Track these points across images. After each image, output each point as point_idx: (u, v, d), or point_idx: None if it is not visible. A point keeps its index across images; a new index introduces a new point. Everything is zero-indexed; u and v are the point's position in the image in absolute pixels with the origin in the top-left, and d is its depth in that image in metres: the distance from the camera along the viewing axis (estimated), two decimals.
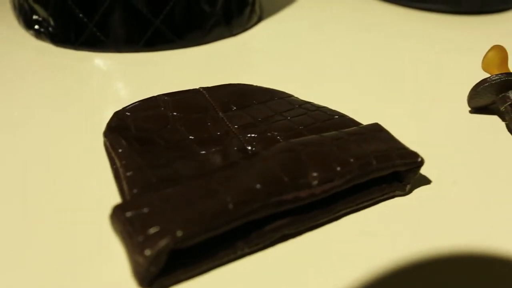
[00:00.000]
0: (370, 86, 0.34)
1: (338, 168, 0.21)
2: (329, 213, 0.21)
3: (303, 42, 0.41)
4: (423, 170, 0.25)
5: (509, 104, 0.29)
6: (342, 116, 0.26)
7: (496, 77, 0.28)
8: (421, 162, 0.22)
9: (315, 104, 0.28)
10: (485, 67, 0.30)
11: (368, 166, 0.21)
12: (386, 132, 0.24)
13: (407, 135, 0.28)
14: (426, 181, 0.24)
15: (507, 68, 0.30)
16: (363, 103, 0.31)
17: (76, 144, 0.27)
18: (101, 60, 0.37)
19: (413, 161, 0.22)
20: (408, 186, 0.23)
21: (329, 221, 0.22)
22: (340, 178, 0.21)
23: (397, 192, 0.23)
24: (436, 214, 0.22)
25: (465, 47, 0.41)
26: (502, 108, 0.29)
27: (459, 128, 0.29)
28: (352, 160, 0.21)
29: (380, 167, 0.21)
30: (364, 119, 0.29)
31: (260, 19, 0.46)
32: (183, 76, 0.35)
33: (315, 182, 0.20)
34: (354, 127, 0.24)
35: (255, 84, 0.33)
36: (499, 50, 0.30)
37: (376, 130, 0.24)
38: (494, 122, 0.30)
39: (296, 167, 0.21)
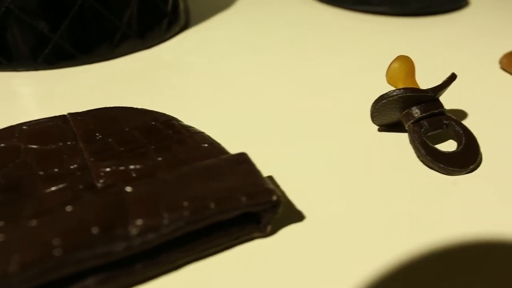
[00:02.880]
0: (280, 103, 0.31)
1: (166, 214, 0.18)
2: (160, 264, 0.18)
3: (222, 55, 0.38)
4: (306, 201, 0.22)
5: (412, 122, 0.25)
6: (211, 144, 0.23)
7: (394, 93, 0.25)
8: (277, 201, 0.19)
9: (192, 129, 0.25)
10: (389, 80, 0.27)
11: (204, 211, 0.18)
12: (249, 164, 0.21)
13: (302, 157, 0.25)
14: (299, 217, 0.21)
15: (414, 81, 0.27)
16: (265, 125, 0.28)
17: None
18: None
19: (266, 200, 0.19)
20: (269, 227, 0.20)
21: (167, 272, 0.19)
22: (168, 226, 0.18)
23: (256, 234, 0.20)
24: (303, 259, 0.19)
25: (403, 51, 0.38)
26: (406, 127, 0.26)
27: (358, 151, 0.26)
28: (186, 203, 0.18)
29: (221, 210, 0.18)
30: (262, 142, 0.26)
31: (184, 28, 0.43)
32: (79, 96, 0.32)
33: (134, 232, 0.17)
34: (214, 159, 0.21)
35: (147, 104, 0.30)
36: (404, 61, 0.27)
37: (238, 162, 0.21)
38: (401, 141, 0.27)
39: (118, 214, 0.18)
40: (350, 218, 0.21)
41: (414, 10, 0.46)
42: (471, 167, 0.24)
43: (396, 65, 0.26)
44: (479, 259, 0.19)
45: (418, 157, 0.25)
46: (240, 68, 0.35)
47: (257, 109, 0.30)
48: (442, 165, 0.24)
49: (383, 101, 0.25)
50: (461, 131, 0.26)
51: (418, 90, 0.25)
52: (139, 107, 0.30)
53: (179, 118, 0.29)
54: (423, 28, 0.44)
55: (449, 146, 0.26)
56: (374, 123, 0.27)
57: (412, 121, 0.25)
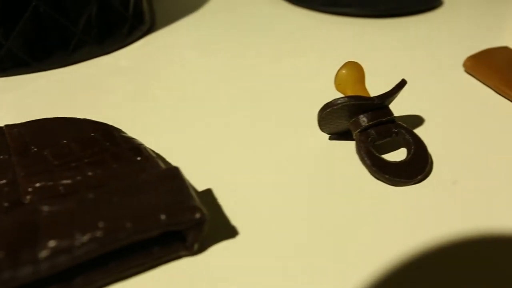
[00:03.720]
0: (232, 111, 0.30)
1: (79, 235, 0.17)
2: (76, 287, 0.17)
3: (181, 60, 0.37)
4: (240, 217, 0.21)
5: (359, 131, 0.25)
6: (146, 157, 0.23)
7: (338, 102, 0.24)
8: (201, 219, 0.18)
9: (132, 141, 0.24)
10: (337, 87, 0.26)
11: (119, 231, 0.17)
12: (178, 179, 0.20)
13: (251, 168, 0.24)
14: (232, 233, 0.21)
15: (363, 88, 0.26)
16: (214, 134, 0.28)
17: None
18: None
19: (188, 219, 0.18)
20: (196, 245, 0.19)
21: None
22: (80, 247, 0.17)
23: (183, 253, 0.19)
24: (232, 279, 0.18)
25: (367, 53, 0.37)
26: (354, 136, 0.25)
27: (305, 161, 0.25)
28: (101, 223, 0.18)
29: (138, 230, 0.18)
30: (208, 152, 0.26)
31: (149, 32, 0.42)
32: (26, 105, 0.31)
33: (43, 255, 0.17)
34: (143, 174, 0.21)
35: (97, 113, 0.29)
36: (352, 67, 0.26)
37: (167, 177, 0.20)
38: (351, 150, 0.26)
39: (28, 235, 0.17)
40: (288, 233, 0.20)
41: (383, 11, 0.45)
42: (419, 177, 0.23)
43: (344, 71, 0.26)
44: (424, 274, 0.18)
45: (365, 167, 0.24)
46: (197, 74, 0.34)
47: (208, 118, 0.29)
48: (387, 176, 0.23)
49: (328, 110, 0.24)
50: (411, 140, 0.25)
51: (363, 98, 0.24)
52: (87, 116, 0.29)
53: (127, 128, 0.28)
54: (391, 29, 0.43)
55: (402, 155, 0.25)
56: (323, 131, 0.26)
57: (359, 129, 0.24)
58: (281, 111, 0.30)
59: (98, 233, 0.17)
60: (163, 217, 0.18)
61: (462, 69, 0.35)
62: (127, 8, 0.39)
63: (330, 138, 0.27)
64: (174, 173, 0.20)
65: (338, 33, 0.42)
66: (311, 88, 0.32)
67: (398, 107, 0.30)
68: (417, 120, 0.29)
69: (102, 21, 0.37)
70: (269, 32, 0.42)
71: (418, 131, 0.27)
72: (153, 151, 0.26)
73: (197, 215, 0.18)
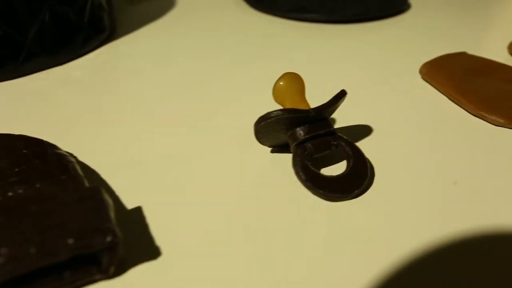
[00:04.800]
0: (176, 123, 0.29)
1: None
2: None
3: (135, 70, 0.36)
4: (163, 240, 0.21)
5: (296, 144, 0.24)
6: (72, 176, 0.22)
7: (272, 115, 0.23)
8: (113, 242, 0.18)
9: (64, 158, 0.24)
10: (276, 99, 0.26)
11: (23, 258, 0.17)
12: (96, 200, 0.19)
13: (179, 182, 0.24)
14: (155, 254, 0.20)
15: (302, 100, 0.25)
16: (154, 148, 0.27)
17: None
18: None
19: (98, 242, 0.18)
20: (112, 268, 0.19)
21: None
22: None
23: (98, 276, 0.19)
24: None
25: (328, 60, 0.37)
26: (291, 149, 0.24)
27: (242, 176, 0.24)
28: (4, 250, 0.17)
29: (43, 256, 0.17)
30: (145, 168, 0.25)
31: (107, 41, 0.42)
32: None
33: None
34: (62, 194, 0.20)
35: (39, 127, 0.29)
36: (290, 79, 0.25)
37: (85, 198, 0.20)
38: (290, 165, 0.25)
39: None
40: (215, 254, 0.20)
41: (350, 16, 0.45)
42: (356, 192, 0.23)
43: (281, 83, 0.25)
44: None
45: (300, 182, 0.23)
46: (150, 85, 0.34)
47: (150, 132, 0.28)
48: (322, 191, 0.22)
49: (262, 123, 0.23)
50: (350, 152, 0.24)
51: (298, 111, 0.23)
52: (31, 130, 0.29)
53: (68, 142, 0.27)
54: (356, 35, 0.42)
55: (344, 168, 0.25)
56: (263, 144, 0.26)
57: (295, 143, 0.24)
58: (231, 123, 0.29)
59: (1, 260, 0.17)
60: (71, 241, 0.17)
61: (419, 75, 0.35)
62: (83, 17, 0.38)
63: (272, 151, 0.26)
64: (93, 194, 0.20)
65: (302, 40, 0.41)
66: (268, 97, 0.32)
67: (348, 117, 0.29)
68: (365, 130, 0.28)
69: (54, 31, 0.36)
70: (233, 40, 0.42)
71: (365, 142, 0.27)
72: (88, 167, 0.25)
73: (108, 238, 0.18)
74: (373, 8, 0.46)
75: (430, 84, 0.33)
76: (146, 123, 0.29)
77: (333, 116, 0.29)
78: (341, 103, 0.25)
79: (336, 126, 0.28)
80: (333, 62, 0.37)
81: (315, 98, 0.31)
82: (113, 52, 0.40)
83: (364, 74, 0.35)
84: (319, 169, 0.25)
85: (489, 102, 0.29)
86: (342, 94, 0.24)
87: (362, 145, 0.27)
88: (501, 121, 0.28)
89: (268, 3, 0.48)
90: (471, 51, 0.38)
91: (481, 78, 0.32)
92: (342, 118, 0.29)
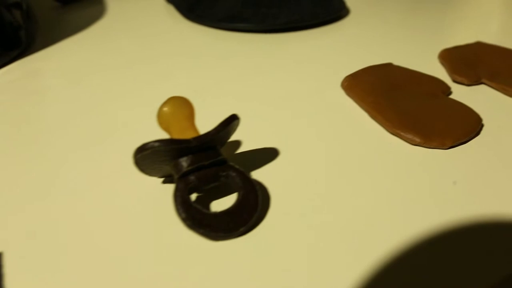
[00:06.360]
0: (82, 147, 0.27)
1: None
2: None
3: (48, 88, 0.34)
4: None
5: (178, 177, 0.22)
6: None
7: (147, 147, 0.21)
8: None
9: None
10: (160, 126, 0.23)
11: None
12: None
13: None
14: None
15: (190, 126, 0.23)
16: (43, 175, 0.24)
17: None
18: None
19: None
20: None
21: None
22: None
23: None
24: None
25: (250, 73, 0.34)
26: (174, 181, 0.22)
27: (129, 210, 0.22)
28: None
29: None
30: (32, 197, 0.22)
31: (22, 55, 0.39)
32: None
33: None
34: None
35: None
36: (175, 104, 0.23)
37: None
38: None
39: None
40: None
41: (283, 25, 0.43)
42: (242, 229, 0.20)
43: (165, 109, 0.23)
44: None
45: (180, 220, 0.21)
46: (57, 105, 0.31)
47: (42, 159, 0.26)
48: (202, 230, 0.20)
49: (138, 156, 0.21)
50: (240, 184, 0.22)
51: (176, 141, 0.21)
52: None
53: None
54: (286, 45, 0.40)
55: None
56: (150, 175, 0.23)
57: (178, 175, 0.21)
58: (127, 148, 0.26)
59: None
60: None
61: (342, 90, 0.33)
62: None
63: (164, 181, 0.24)
64: None
65: (229, 51, 0.39)
66: None
67: (255, 140, 0.27)
68: (271, 155, 0.26)
69: None
70: (159, 52, 0.39)
71: (267, 168, 0.25)
72: None
73: None
74: (308, 16, 0.44)
75: (352, 99, 0.31)
76: (37, 150, 0.26)
77: (238, 138, 0.27)
78: (234, 128, 0.23)
79: (240, 150, 0.26)
80: (256, 74, 0.35)
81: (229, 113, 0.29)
82: (24, 70, 0.37)
83: (284, 88, 0.33)
84: (210, 203, 0.22)
85: (407, 119, 0.27)
86: (231, 120, 0.22)
87: (264, 172, 0.24)
88: (418, 140, 0.26)
89: (200, 12, 0.46)
90: (402, 61, 0.37)
91: (403, 91, 0.30)
92: (249, 141, 0.27)
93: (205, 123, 0.28)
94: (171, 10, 0.51)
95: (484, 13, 0.49)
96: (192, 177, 0.21)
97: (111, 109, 0.31)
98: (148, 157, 0.21)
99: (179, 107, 0.23)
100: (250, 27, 0.42)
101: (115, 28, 0.45)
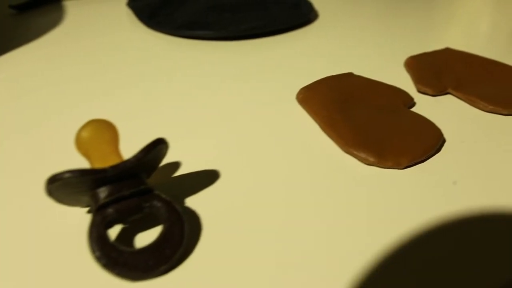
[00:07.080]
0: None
1: None
2: None
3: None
4: None
5: (95, 210, 0.19)
6: None
7: (57, 178, 0.18)
8: None
9: None
10: (79, 151, 0.21)
11: None
12: None
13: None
14: None
15: (113, 152, 0.21)
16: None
17: None
18: None
19: None
20: None
21: None
22: None
23: None
24: None
25: (205, 85, 0.32)
26: (92, 213, 0.20)
27: (55, 244, 0.20)
28: None
29: None
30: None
31: None
32: None
33: None
34: None
35: None
36: (97, 128, 0.21)
37: None
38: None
39: None
40: None
41: (245, 31, 0.41)
42: (163, 267, 0.18)
43: (84, 134, 0.20)
44: None
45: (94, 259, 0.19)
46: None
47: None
48: (117, 270, 0.18)
49: (49, 187, 0.19)
50: (165, 216, 0.20)
51: (89, 171, 0.19)
52: None
53: None
54: (245, 53, 0.38)
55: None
56: (70, 205, 0.21)
57: (95, 207, 0.19)
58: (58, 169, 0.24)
59: None
60: None
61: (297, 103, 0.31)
62: None
63: (89, 211, 0.22)
64: None
65: (184, 59, 0.37)
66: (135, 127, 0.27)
67: (192, 163, 0.25)
68: (211, 178, 0.24)
69: None
70: (114, 61, 0.37)
71: (203, 194, 0.23)
72: None
73: None
74: (272, 22, 0.41)
75: (307, 112, 0.29)
76: None
77: (177, 160, 0.25)
78: (163, 153, 0.21)
79: (178, 173, 0.24)
80: (208, 87, 0.33)
81: (185, 128, 0.27)
82: None
83: (237, 101, 0.31)
84: (135, 236, 0.20)
85: (361, 136, 0.25)
86: (155, 144, 0.20)
87: (200, 198, 0.22)
88: (371, 159, 0.24)
89: (161, 18, 0.43)
90: (366, 70, 0.35)
91: (361, 104, 0.28)
92: (189, 163, 0.25)
93: (143, 145, 0.26)
94: (133, 17, 0.49)
95: (455, 17, 0.47)
96: (110, 210, 0.19)
97: (43, 129, 0.28)
98: (61, 188, 0.19)
99: (100, 131, 0.21)
100: (209, 35, 0.40)
101: (71, 36, 0.43)
